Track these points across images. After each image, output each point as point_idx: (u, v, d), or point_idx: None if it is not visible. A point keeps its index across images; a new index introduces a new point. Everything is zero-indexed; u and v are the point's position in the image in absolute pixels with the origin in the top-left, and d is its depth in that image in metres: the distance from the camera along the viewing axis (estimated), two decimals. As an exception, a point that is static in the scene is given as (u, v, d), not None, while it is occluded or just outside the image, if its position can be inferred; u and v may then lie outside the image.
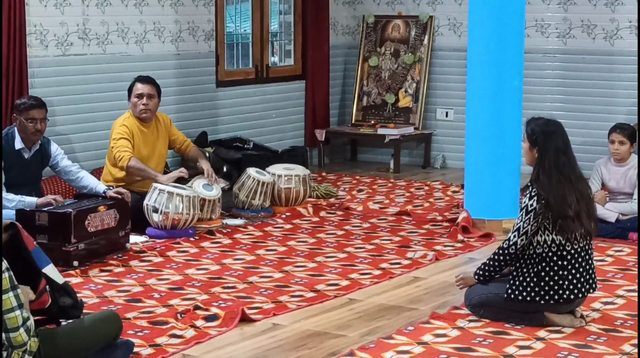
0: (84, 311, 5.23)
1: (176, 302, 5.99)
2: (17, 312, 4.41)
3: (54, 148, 7.44)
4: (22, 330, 4.51)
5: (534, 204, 5.43)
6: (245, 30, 10.62)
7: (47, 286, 4.77)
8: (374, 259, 7.05)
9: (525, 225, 5.45)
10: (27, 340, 4.52)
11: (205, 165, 8.13)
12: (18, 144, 7.17)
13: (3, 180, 6.98)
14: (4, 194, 6.92)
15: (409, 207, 8.78)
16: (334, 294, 6.22)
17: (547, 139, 5.52)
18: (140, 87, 7.97)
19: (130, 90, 8.04)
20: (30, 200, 6.97)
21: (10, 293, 4.48)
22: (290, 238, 7.64)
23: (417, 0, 11.12)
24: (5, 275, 4.36)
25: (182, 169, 7.96)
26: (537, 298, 5.45)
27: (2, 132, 7.28)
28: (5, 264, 4.32)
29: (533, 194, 5.46)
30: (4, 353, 4.51)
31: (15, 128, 7.20)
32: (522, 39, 7.86)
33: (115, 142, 7.84)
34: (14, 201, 6.93)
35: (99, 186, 7.40)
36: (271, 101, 10.60)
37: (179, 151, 8.41)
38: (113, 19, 8.92)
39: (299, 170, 8.74)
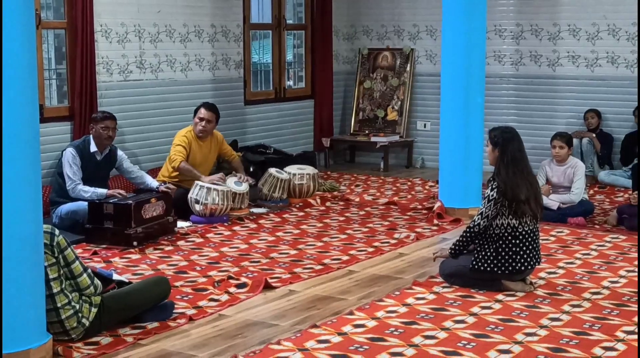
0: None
1: (213, 273, 5.99)
2: (85, 271, 4.64)
3: (120, 153, 7.44)
4: (92, 288, 4.61)
5: (495, 194, 5.45)
6: (266, 60, 10.59)
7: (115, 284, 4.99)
8: (368, 239, 7.02)
9: (487, 211, 5.47)
10: (93, 290, 4.66)
11: (240, 171, 8.16)
12: (93, 148, 7.15)
13: (81, 175, 7.00)
14: (81, 186, 6.93)
15: (396, 198, 8.75)
16: (337, 266, 6.22)
17: (507, 142, 5.54)
18: (203, 112, 7.94)
19: (196, 111, 8.02)
20: (102, 191, 6.96)
21: (77, 262, 4.57)
22: (303, 223, 7.61)
23: (401, 36, 11.06)
24: (62, 237, 4.57)
25: (221, 174, 7.93)
26: (496, 269, 5.48)
27: (79, 139, 7.33)
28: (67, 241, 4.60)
29: (494, 186, 5.48)
30: (77, 306, 4.56)
31: (91, 136, 7.18)
32: (483, 67, 7.86)
33: (174, 147, 7.85)
34: (88, 191, 6.93)
35: (153, 182, 7.40)
36: (287, 116, 10.58)
37: (227, 161, 8.39)
38: (163, 52, 8.91)
39: (309, 170, 8.72)
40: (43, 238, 4.42)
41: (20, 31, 4.12)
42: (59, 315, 4.51)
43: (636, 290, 5.58)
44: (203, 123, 7.90)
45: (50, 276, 4.46)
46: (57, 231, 4.54)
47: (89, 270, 4.70)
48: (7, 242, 4.13)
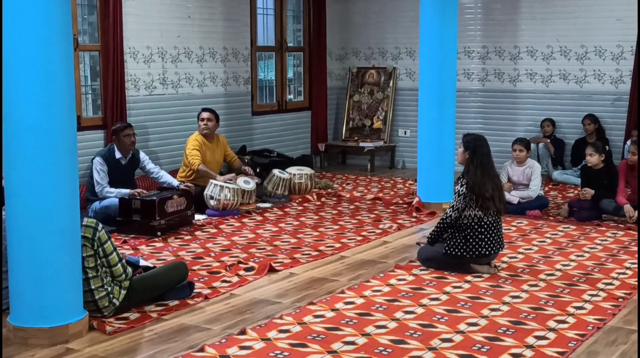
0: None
1: (226, 259, 5.97)
2: (120, 260, 4.64)
3: (142, 155, 7.42)
4: (123, 275, 4.63)
5: (464, 190, 5.47)
6: (270, 77, 10.55)
7: (142, 269, 5.01)
8: (357, 229, 7.01)
9: (457, 204, 5.48)
10: (124, 276, 4.67)
11: (241, 171, 8.13)
12: (117, 154, 7.13)
13: (107, 179, 7.00)
14: (107, 189, 6.94)
15: (380, 194, 8.73)
16: (330, 252, 6.21)
17: (478, 147, 5.55)
18: (203, 114, 7.98)
19: (198, 116, 8.04)
20: (125, 191, 6.93)
21: (114, 253, 4.56)
22: (301, 216, 7.59)
23: (384, 56, 11.04)
24: (103, 232, 4.52)
25: (233, 174, 7.93)
26: (465, 254, 5.49)
27: (105, 147, 7.33)
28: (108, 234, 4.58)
29: (463, 183, 5.49)
30: (109, 288, 4.58)
31: (114, 144, 7.17)
32: (454, 82, 7.85)
33: (190, 151, 7.79)
34: (113, 192, 6.93)
35: (174, 181, 7.36)
36: (288, 125, 10.55)
37: (229, 162, 8.38)
38: (182, 70, 8.89)
39: (307, 170, 8.68)
40: (81, 230, 4.42)
41: (61, 53, 4.13)
42: (93, 296, 4.51)
43: (584, 272, 5.60)
44: (205, 122, 7.90)
45: (88, 265, 4.47)
46: (100, 227, 4.53)
47: (123, 261, 4.71)
48: (49, 233, 4.15)
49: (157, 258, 6.00)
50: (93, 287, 4.50)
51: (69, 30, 4.20)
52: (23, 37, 4.02)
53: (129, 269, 4.73)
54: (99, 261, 4.52)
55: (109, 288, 4.56)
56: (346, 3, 11.19)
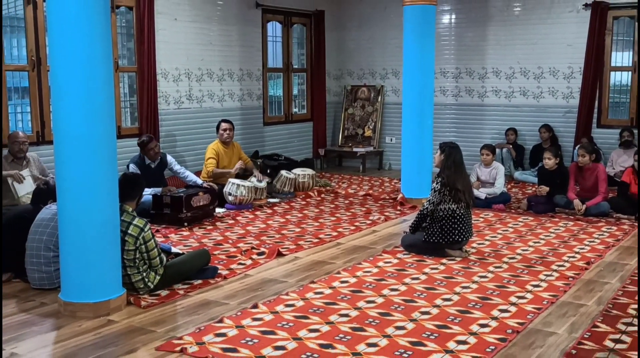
0: (189, 251, 5.31)
1: (241, 245, 5.95)
2: (159, 255, 4.62)
3: (169, 158, 7.38)
4: (160, 265, 4.64)
5: (439, 186, 5.45)
6: (279, 94, 10.51)
7: (173, 255, 5.00)
8: (351, 220, 7.00)
9: (433, 198, 5.47)
10: (160, 265, 4.55)
11: (256, 172, 8.08)
12: (147, 161, 7.12)
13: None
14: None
15: (370, 191, 8.72)
16: (329, 240, 6.19)
17: (452, 151, 5.53)
18: (224, 125, 7.94)
19: (217, 126, 8.01)
20: (157, 189, 6.92)
21: (155, 249, 4.56)
22: (305, 209, 7.57)
23: (374, 76, 11.02)
24: (149, 232, 4.47)
25: (241, 162, 7.91)
26: (440, 241, 5.48)
27: (136, 155, 7.23)
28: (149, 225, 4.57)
29: (439, 181, 5.48)
30: (144, 274, 4.55)
31: (144, 154, 7.14)
32: (432, 98, 7.78)
33: (207, 159, 7.80)
34: (147, 191, 6.89)
35: (198, 180, 7.36)
36: (293, 133, 10.52)
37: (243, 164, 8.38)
38: (206, 88, 8.87)
39: (309, 171, 8.67)
40: (129, 228, 4.41)
41: (102, 73, 4.12)
42: (130, 279, 4.50)
43: (540, 256, 5.58)
44: (227, 132, 7.88)
45: (127, 257, 4.45)
46: (146, 228, 4.50)
47: (162, 255, 4.67)
48: (93, 224, 4.15)
49: (184, 244, 5.97)
50: (130, 273, 4.50)
51: (109, 55, 4.19)
52: (71, 60, 4.02)
53: (164, 258, 4.70)
54: (138, 255, 4.50)
55: (145, 274, 4.54)
56: (342, 32, 11.18)
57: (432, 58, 7.68)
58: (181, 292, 4.65)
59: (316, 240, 6.16)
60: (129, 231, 4.43)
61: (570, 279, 4.96)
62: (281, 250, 5.72)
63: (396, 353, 3.63)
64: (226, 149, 7.98)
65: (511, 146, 9.59)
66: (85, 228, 4.13)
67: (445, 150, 5.54)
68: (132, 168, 7.01)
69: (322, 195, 8.46)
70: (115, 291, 4.29)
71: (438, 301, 4.45)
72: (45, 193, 5.01)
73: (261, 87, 9.80)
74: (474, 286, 4.78)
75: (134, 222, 4.47)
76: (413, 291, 4.66)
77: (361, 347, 3.71)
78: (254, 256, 5.56)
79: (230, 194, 7.49)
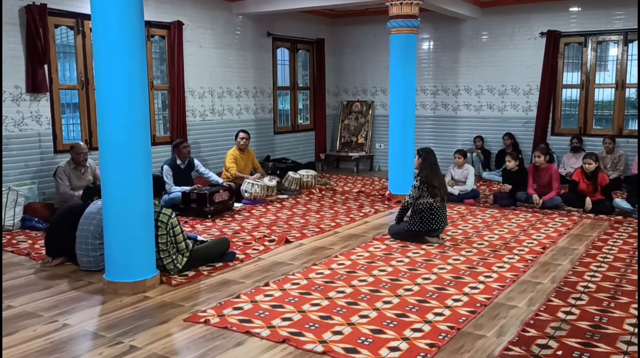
0: (212, 238, 5.24)
1: (255, 234, 5.92)
2: (184, 240, 4.56)
3: (196, 162, 7.36)
4: (186, 250, 4.60)
5: (418, 183, 5.45)
6: (286, 108, 10.54)
7: (199, 242, 4.95)
8: (346, 213, 6.98)
9: (413, 193, 5.46)
10: (185, 249, 4.52)
11: (262, 175, 8.05)
12: (178, 161, 7.12)
13: (172, 180, 6.96)
14: (174, 186, 6.92)
15: (363, 189, 8.71)
16: (328, 229, 6.17)
17: (427, 155, 5.52)
18: (241, 134, 7.88)
19: (236, 135, 7.93)
20: (185, 188, 6.92)
21: (181, 234, 4.53)
22: (308, 204, 7.55)
23: (366, 93, 11.00)
24: (175, 219, 4.42)
25: (258, 174, 7.90)
26: (421, 229, 5.46)
27: (169, 158, 7.24)
28: (175, 214, 4.49)
29: (418, 179, 5.49)
30: (174, 257, 4.55)
31: (175, 154, 7.13)
32: (414, 111, 7.78)
33: (228, 164, 7.75)
34: (177, 188, 6.90)
35: (219, 180, 7.37)
36: (299, 140, 10.51)
37: (255, 167, 8.33)
38: (226, 103, 8.86)
39: (312, 172, 8.62)
40: (160, 216, 4.40)
41: (140, 91, 4.11)
42: (162, 262, 4.48)
43: (504, 242, 5.57)
44: (244, 140, 7.81)
45: (161, 241, 4.44)
46: (173, 215, 4.47)
47: (187, 240, 4.65)
48: (131, 215, 4.14)
49: (207, 233, 5.96)
50: (162, 256, 4.48)
51: (145, 76, 4.18)
52: (113, 81, 4.01)
53: (190, 244, 4.69)
54: (168, 239, 4.49)
55: (174, 257, 4.53)
56: (339, 56, 11.16)
57: (414, 78, 7.67)
58: (205, 273, 4.63)
59: (317, 229, 6.14)
60: (160, 219, 4.42)
61: (529, 261, 4.94)
62: (288, 237, 5.70)
63: (384, 323, 3.63)
64: (242, 154, 7.94)
65: (479, 151, 9.58)
66: (126, 220, 4.12)
67: (422, 154, 5.54)
68: (166, 168, 7.01)
69: (323, 192, 8.44)
70: (150, 272, 4.28)
71: (419, 280, 4.44)
72: (92, 191, 5.01)
73: (272, 103, 9.78)
74: (449, 267, 4.77)
75: (163, 211, 4.48)
76: (398, 272, 4.64)
77: (355, 318, 3.70)
78: (266, 243, 5.54)
79: (246, 191, 7.48)
